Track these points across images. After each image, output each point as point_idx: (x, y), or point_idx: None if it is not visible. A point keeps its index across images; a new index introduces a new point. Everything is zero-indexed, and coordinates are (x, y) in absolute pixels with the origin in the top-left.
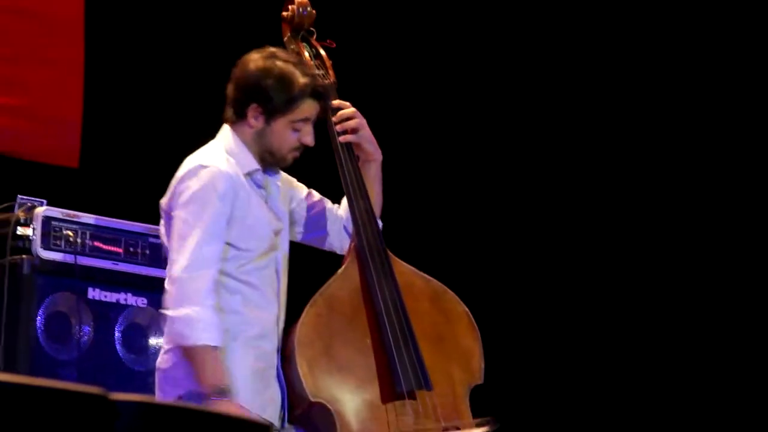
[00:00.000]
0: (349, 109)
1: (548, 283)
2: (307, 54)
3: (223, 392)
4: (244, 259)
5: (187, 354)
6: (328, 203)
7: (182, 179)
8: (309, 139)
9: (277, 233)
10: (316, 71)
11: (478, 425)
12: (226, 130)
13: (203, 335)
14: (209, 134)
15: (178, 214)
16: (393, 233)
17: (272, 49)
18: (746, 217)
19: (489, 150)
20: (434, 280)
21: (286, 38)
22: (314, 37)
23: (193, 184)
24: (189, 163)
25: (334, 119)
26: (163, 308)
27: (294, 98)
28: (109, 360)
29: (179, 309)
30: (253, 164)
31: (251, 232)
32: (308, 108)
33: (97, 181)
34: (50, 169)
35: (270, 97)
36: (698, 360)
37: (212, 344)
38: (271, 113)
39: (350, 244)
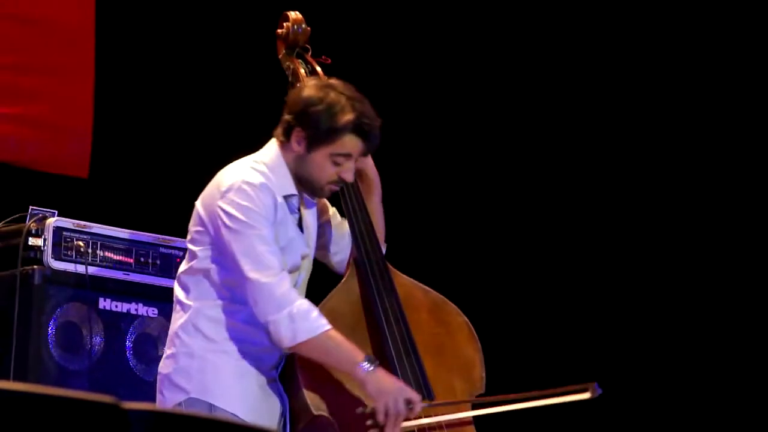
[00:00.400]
0: None
1: (548, 292)
2: (303, 71)
3: (372, 361)
4: None
5: (313, 346)
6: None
7: (229, 196)
8: (349, 175)
9: (303, 257)
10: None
11: (578, 392)
12: (273, 145)
13: (319, 322)
14: (219, 144)
15: (235, 230)
16: (392, 244)
17: (333, 81)
18: (746, 217)
19: (488, 160)
20: (433, 292)
21: (281, 55)
22: (309, 53)
23: (243, 200)
24: (233, 177)
25: None
26: (262, 316)
27: (336, 130)
28: (120, 370)
29: (283, 310)
30: (291, 189)
31: (283, 251)
32: (351, 143)
33: (108, 192)
34: (61, 179)
35: (314, 125)
36: (699, 361)
37: (329, 328)
38: (312, 141)
39: (349, 258)
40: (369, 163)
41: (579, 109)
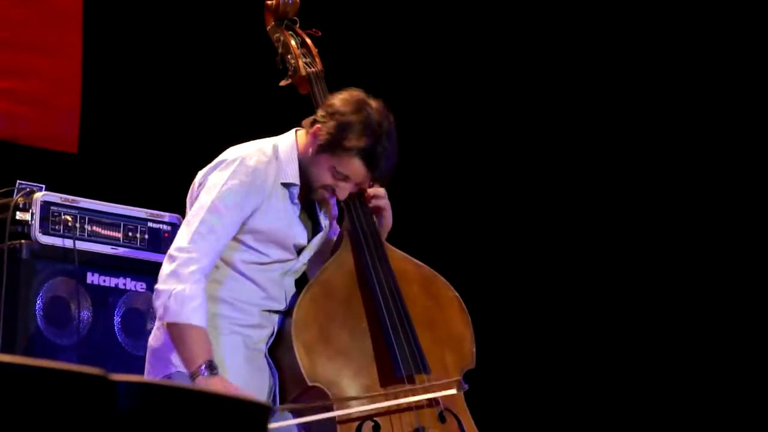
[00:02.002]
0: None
1: (539, 268)
2: (293, 42)
3: (212, 368)
4: (254, 258)
5: (174, 330)
6: None
7: (219, 169)
8: (342, 194)
9: (299, 249)
10: (305, 59)
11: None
12: (291, 133)
13: (189, 315)
14: (206, 120)
15: (202, 200)
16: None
17: (372, 100)
18: (746, 217)
19: (479, 139)
20: (425, 266)
21: (269, 27)
22: (297, 25)
23: (226, 179)
24: (233, 153)
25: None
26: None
27: (344, 148)
28: (109, 344)
29: (169, 284)
30: (294, 178)
31: (267, 239)
32: (354, 167)
33: (96, 167)
34: (49, 154)
35: (329, 133)
36: (698, 360)
37: (199, 324)
38: (322, 146)
39: (342, 231)
40: (389, 208)
41: (577, 104)
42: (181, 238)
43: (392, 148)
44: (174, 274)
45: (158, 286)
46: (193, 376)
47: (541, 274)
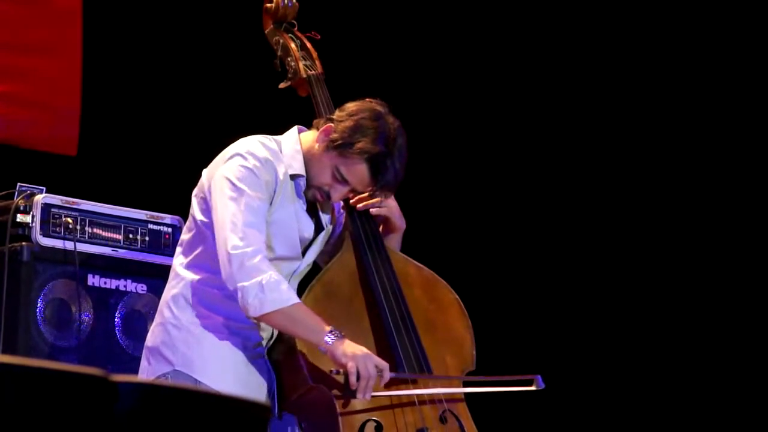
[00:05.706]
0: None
1: (539, 270)
2: (293, 45)
3: (337, 333)
4: None
5: (280, 317)
6: None
7: (230, 163)
8: (336, 196)
9: (304, 247)
10: (305, 62)
11: (524, 383)
12: (294, 131)
13: (289, 294)
14: (206, 122)
15: (228, 195)
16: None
17: (392, 117)
18: (746, 217)
19: (482, 141)
20: (426, 269)
21: (268, 30)
22: (296, 28)
23: (243, 169)
24: (239, 147)
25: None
26: (231, 283)
27: (352, 150)
28: (109, 346)
29: (253, 279)
30: (301, 170)
31: (276, 232)
32: (358, 171)
33: (97, 169)
34: (49, 157)
35: (342, 132)
36: (698, 360)
37: (299, 300)
38: (332, 144)
39: (344, 232)
40: (394, 213)
41: (579, 101)
42: (231, 237)
43: (400, 165)
44: (249, 269)
45: (241, 284)
46: (323, 344)
47: (542, 277)
